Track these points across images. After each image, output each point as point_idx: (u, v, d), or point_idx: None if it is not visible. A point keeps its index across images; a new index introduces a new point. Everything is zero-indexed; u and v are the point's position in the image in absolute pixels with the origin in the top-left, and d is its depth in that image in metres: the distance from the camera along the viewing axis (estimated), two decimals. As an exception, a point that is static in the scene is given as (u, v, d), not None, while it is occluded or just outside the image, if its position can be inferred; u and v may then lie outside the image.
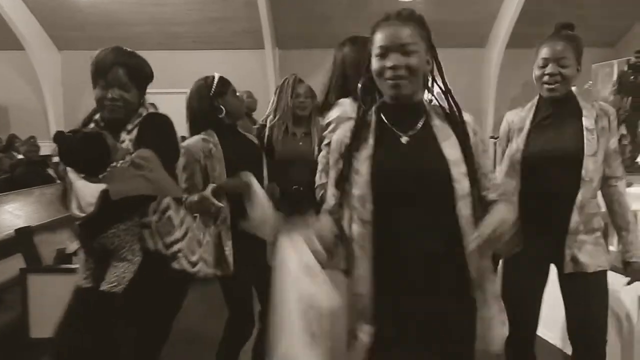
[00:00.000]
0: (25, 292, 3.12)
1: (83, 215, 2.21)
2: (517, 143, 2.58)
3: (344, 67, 2.66)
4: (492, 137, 12.46)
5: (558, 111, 2.55)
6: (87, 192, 2.22)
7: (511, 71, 12.31)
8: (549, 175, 2.49)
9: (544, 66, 2.51)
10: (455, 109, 1.88)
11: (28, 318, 3.16)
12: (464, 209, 1.76)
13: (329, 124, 2.55)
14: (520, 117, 2.70)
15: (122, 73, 2.40)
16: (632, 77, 9.63)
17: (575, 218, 2.42)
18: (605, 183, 2.54)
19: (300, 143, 3.66)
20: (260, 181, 3.03)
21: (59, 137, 2.25)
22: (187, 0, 11.37)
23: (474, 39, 12.62)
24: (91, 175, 2.25)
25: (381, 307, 1.77)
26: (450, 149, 1.79)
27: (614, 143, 2.55)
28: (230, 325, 3.11)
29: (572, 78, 2.50)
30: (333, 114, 2.55)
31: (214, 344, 3.12)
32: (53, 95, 13.19)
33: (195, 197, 2.83)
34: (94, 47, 2.49)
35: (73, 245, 3.47)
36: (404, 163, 1.77)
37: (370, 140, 1.82)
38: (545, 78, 2.50)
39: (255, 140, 3.36)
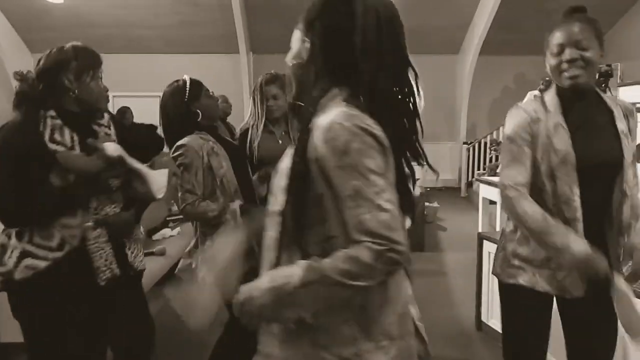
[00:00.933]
0: (-6, 296, 3.10)
1: (158, 198, 2.44)
2: (561, 144, 2.12)
3: None
4: (465, 143, 12.62)
5: (586, 108, 2.17)
6: (158, 178, 2.41)
7: (484, 78, 12.46)
8: (590, 188, 2.12)
9: (560, 52, 2.11)
10: (302, 115, 1.48)
11: (-2, 323, 3.14)
12: (270, 228, 1.47)
13: None
14: (539, 111, 2.21)
15: None
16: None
17: (620, 241, 2.20)
18: None
19: (280, 142, 3.65)
20: (247, 184, 3.04)
21: (130, 126, 2.43)
22: (161, 3, 11.32)
23: (447, 45, 12.72)
24: (143, 163, 2.46)
25: None
26: (288, 158, 1.47)
27: (634, 148, 2.22)
28: (229, 331, 2.96)
29: (596, 64, 2.11)
30: None
31: (193, 342, 3.08)
32: (25, 97, 12.99)
33: (214, 210, 2.77)
34: (67, 50, 2.49)
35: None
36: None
37: None
38: (564, 65, 2.10)
39: (236, 143, 3.36)
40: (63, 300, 2.28)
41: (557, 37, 2.11)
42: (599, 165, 2.12)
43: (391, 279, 1.38)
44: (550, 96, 2.20)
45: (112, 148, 2.32)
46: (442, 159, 12.88)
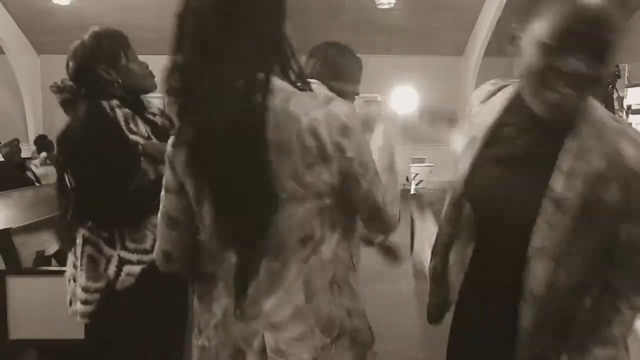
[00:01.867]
0: (4, 294, 3.14)
1: None
2: (459, 170, 1.41)
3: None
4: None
5: (532, 134, 1.29)
6: None
7: (489, 79, 12.36)
8: (492, 242, 1.34)
9: (564, 48, 1.14)
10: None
11: (7, 319, 3.18)
12: None
13: None
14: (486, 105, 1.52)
15: None
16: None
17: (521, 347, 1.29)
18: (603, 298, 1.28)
19: None
20: None
21: None
22: (165, 5, 11.27)
23: (452, 47, 12.71)
24: None
25: None
26: None
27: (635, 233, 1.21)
28: None
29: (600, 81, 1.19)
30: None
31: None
32: (32, 98, 13.09)
33: None
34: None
35: (53, 247, 3.49)
36: None
37: None
38: (554, 74, 1.15)
39: None
40: (157, 301, 2.05)
41: (563, 17, 1.16)
42: (493, 217, 1.32)
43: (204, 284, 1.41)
44: (506, 93, 1.48)
45: None
46: (446, 161, 12.89)
